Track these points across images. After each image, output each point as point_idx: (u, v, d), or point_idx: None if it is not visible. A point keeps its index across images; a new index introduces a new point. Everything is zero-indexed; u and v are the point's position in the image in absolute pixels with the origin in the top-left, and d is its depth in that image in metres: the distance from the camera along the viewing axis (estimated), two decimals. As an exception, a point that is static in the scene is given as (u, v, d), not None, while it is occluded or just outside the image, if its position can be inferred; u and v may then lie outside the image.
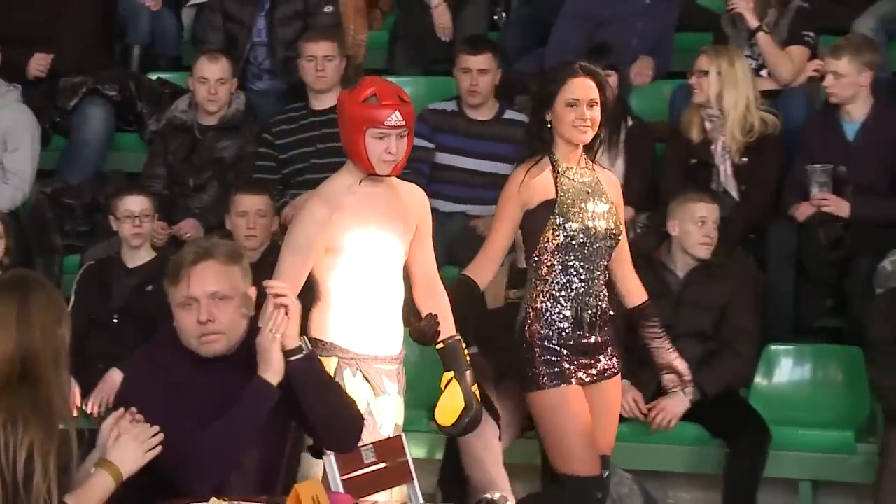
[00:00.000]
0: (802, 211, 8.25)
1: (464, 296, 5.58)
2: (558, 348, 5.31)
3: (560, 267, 5.31)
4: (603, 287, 5.44)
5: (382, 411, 5.03)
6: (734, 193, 8.52)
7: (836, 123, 8.51)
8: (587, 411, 5.34)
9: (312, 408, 5.17)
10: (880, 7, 9.74)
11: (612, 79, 8.22)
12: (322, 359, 4.80)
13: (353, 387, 4.91)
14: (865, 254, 8.15)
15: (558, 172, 5.30)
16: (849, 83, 8.25)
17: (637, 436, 7.91)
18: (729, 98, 8.38)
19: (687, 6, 10.38)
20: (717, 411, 7.76)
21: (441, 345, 5.12)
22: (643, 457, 8.09)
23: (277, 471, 5.35)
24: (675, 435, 7.99)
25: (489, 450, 7.27)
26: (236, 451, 4.88)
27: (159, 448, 4.42)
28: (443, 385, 5.09)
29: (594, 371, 5.38)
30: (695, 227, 7.74)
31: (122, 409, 4.51)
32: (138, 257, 8.05)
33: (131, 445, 4.50)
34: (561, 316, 5.31)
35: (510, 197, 5.42)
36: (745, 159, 8.41)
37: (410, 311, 5.31)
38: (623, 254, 5.62)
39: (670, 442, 8.16)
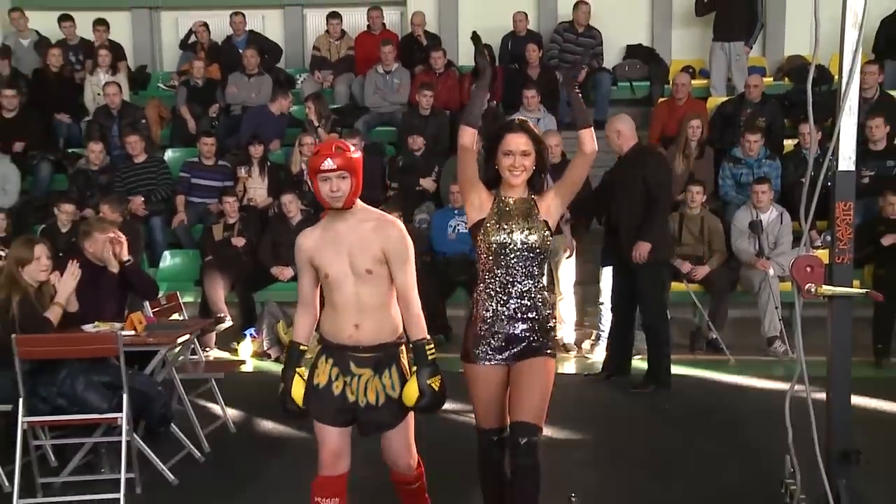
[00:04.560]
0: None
1: None
2: (482, 333, 4.48)
3: (487, 269, 4.48)
4: (528, 289, 4.44)
5: (354, 384, 4.30)
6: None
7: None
8: (492, 386, 4.51)
9: (135, 282, 6.94)
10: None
11: None
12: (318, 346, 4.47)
13: (325, 367, 4.37)
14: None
15: (495, 200, 4.48)
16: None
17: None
18: None
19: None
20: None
21: (411, 345, 4.34)
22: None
23: (122, 312, 6.76)
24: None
25: None
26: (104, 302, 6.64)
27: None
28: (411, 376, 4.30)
29: (510, 354, 4.46)
30: None
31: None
32: None
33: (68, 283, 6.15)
34: (485, 307, 4.48)
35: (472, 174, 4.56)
36: None
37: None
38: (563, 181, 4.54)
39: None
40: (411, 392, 4.27)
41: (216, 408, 7.29)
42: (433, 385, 4.27)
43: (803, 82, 4.06)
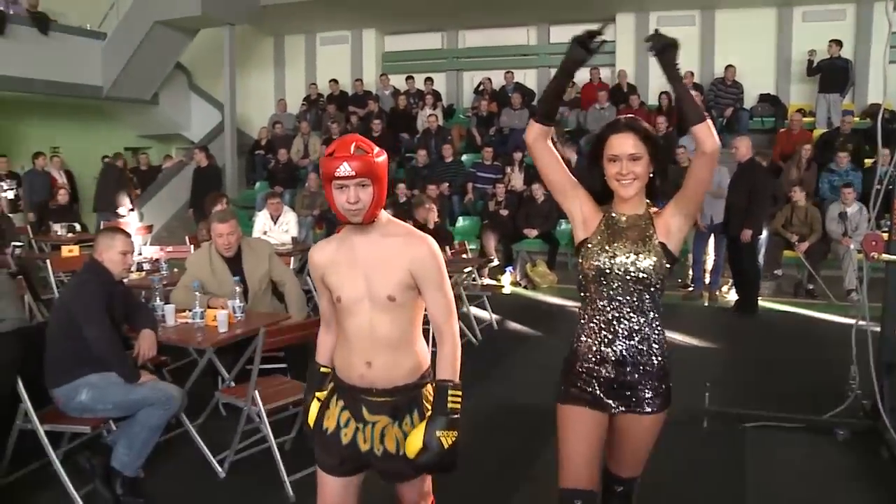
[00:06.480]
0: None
1: None
2: (582, 373, 2.30)
3: (589, 299, 2.29)
4: (639, 328, 2.24)
5: (368, 432, 2.22)
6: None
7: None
8: (586, 436, 2.29)
9: (441, 234, 6.91)
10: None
11: None
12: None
13: (334, 409, 2.28)
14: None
15: (604, 217, 2.30)
16: None
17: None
18: None
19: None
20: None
21: (434, 384, 2.19)
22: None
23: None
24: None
25: None
26: None
27: None
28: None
29: (616, 403, 2.29)
30: None
31: None
32: None
33: None
34: (588, 345, 2.29)
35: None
36: None
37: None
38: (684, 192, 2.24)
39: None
40: (413, 443, 2.14)
41: (485, 314, 7.17)
42: (443, 440, 2.12)
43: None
